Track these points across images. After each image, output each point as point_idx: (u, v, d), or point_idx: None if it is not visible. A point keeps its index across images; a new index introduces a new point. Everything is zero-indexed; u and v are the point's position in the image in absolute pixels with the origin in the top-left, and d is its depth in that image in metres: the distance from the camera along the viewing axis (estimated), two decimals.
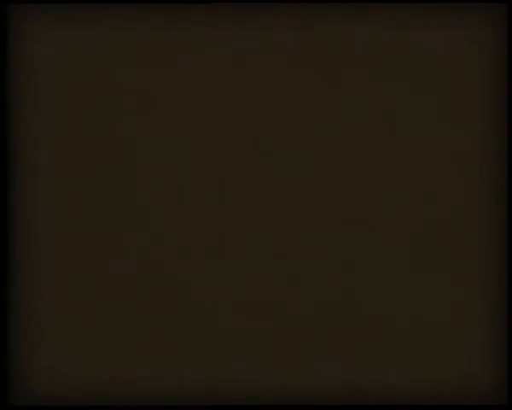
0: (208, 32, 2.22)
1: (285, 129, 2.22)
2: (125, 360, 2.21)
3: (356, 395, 2.21)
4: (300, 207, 2.21)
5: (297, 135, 2.21)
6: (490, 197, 2.21)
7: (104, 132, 2.22)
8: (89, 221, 2.21)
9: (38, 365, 2.21)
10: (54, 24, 2.22)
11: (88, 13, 2.22)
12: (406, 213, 2.21)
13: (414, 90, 2.21)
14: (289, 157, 2.21)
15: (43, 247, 2.21)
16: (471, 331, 2.21)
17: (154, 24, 2.22)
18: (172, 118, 2.22)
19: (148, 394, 2.22)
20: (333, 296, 2.21)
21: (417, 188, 2.21)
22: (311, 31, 2.21)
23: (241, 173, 2.22)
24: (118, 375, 2.21)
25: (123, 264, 2.21)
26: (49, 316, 2.21)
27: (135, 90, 2.22)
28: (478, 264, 2.21)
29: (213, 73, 2.22)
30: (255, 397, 2.21)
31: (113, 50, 2.22)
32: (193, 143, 2.22)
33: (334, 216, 2.21)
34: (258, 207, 2.21)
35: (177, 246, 2.21)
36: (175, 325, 2.21)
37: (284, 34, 2.21)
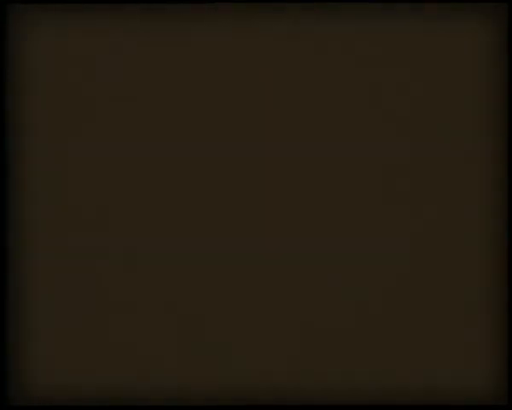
0: (208, 32, 2.22)
1: (285, 128, 2.21)
2: (125, 359, 2.21)
3: (356, 395, 2.21)
4: (300, 206, 2.21)
5: (297, 134, 2.21)
6: (490, 197, 2.21)
7: (104, 132, 2.22)
8: (88, 221, 2.21)
9: (38, 365, 2.21)
10: (54, 24, 2.22)
11: (88, 13, 2.21)
12: (406, 214, 2.21)
13: (413, 90, 2.21)
14: (289, 157, 2.21)
15: (41, 247, 2.21)
16: (471, 331, 2.21)
17: (155, 24, 2.22)
18: (172, 118, 2.22)
19: (148, 394, 2.22)
20: (333, 297, 2.21)
21: (417, 187, 2.21)
22: (311, 31, 2.21)
23: (241, 174, 2.21)
24: (118, 375, 2.21)
25: (122, 264, 2.21)
26: (49, 316, 2.21)
27: (135, 89, 2.22)
28: (478, 264, 2.21)
29: (213, 72, 2.22)
30: (255, 397, 2.21)
31: (113, 50, 2.22)
32: (193, 142, 2.22)
33: (334, 215, 2.21)
34: (258, 206, 2.21)
35: (177, 247, 2.21)
36: (175, 324, 2.21)
37: (284, 34, 2.21)
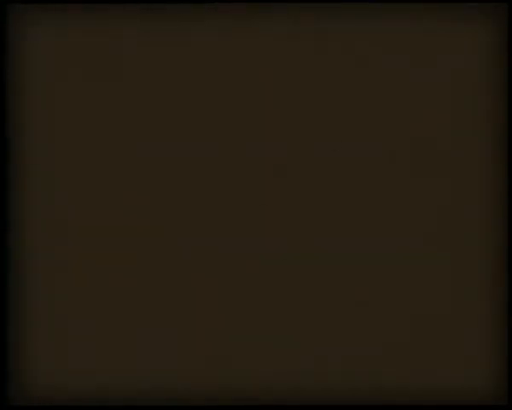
0: (208, 32, 2.22)
1: (285, 128, 2.21)
2: (125, 359, 2.21)
3: (356, 395, 2.21)
4: (300, 206, 2.21)
5: (297, 134, 2.21)
6: (490, 197, 2.21)
7: (104, 132, 2.22)
8: (88, 222, 2.21)
9: (38, 365, 2.21)
10: (54, 24, 2.22)
11: (88, 13, 2.22)
12: (406, 213, 2.21)
13: (413, 91, 2.21)
14: (290, 156, 2.21)
15: (41, 247, 2.21)
16: (471, 331, 2.21)
17: (155, 24, 2.22)
18: (172, 118, 2.22)
19: (148, 394, 2.22)
20: (333, 297, 2.21)
21: (417, 187, 2.21)
22: (311, 31, 2.21)
23: (241, 173, 2.21)
24: (118, 375, 2.21)
25: (122, 264, 2.21)
26: (49, 316, 2.21)
27: (135, 89, 2.22)
28: (478, 264, 2.21)
29: (213, 72, 2.22)
30: (255, 397, 2.21)
31: (113, 50, 2.22)
32: (193, 142, 2.22)
33: (334, 215, 2.21)
34: (258, 206, 2.21)
35: (177, 246, 2.21)
36: (175, 324, 2.21)
37: (284, 34, 2.21)
